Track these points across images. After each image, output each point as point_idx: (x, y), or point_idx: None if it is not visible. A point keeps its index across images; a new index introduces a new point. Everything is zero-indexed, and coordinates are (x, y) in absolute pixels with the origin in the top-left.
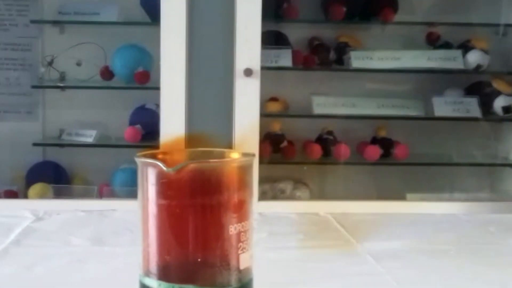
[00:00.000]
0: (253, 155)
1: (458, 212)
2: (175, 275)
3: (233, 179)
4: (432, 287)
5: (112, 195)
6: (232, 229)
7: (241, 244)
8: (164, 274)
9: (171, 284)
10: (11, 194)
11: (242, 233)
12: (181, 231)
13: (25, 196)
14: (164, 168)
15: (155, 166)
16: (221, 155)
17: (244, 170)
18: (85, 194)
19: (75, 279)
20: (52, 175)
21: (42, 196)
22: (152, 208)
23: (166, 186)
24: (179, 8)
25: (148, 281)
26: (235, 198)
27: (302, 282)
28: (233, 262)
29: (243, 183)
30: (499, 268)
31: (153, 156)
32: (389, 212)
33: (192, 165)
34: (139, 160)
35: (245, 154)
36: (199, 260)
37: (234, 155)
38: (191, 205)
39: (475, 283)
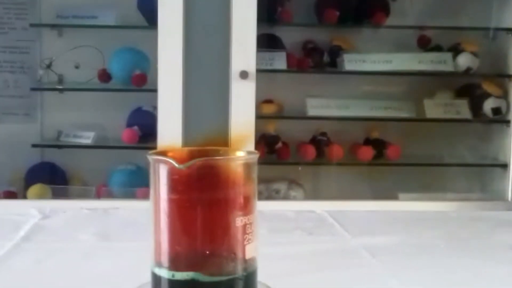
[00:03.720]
0: (257, 153)
1: (448, 210)
2: (185, 265)
3: (240, 175)
4: (423, 278)
5: (110, 195)
6: (239, 221)
7: (246, 235)
8: (174, 264)
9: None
10: (10, 195)
11: (248, 225)
12: (191, 224)
13: (24, 196)
14: (176, 165)
15: (166, 163)
16: (227, 153)
17: (250, 166)
18: (83, 195)
19: (86, 272)
20: (51, 176)
21: (41, 196)
22: (164, 202)
23: (177, 182)
24: (176, 12)
25: (159, 271)
26: (241, 193)
27: (301, 273)
28: (239, 253)
29: (249, 179)
30: (487, 261)
31: (164, 154)
32: (382, 210)
33: (202, 162)
34: (152, 158)
35: (249, 152)
36: (207, 250)
37: (240, 153)
38: (201, 200)
39: (464, 274)
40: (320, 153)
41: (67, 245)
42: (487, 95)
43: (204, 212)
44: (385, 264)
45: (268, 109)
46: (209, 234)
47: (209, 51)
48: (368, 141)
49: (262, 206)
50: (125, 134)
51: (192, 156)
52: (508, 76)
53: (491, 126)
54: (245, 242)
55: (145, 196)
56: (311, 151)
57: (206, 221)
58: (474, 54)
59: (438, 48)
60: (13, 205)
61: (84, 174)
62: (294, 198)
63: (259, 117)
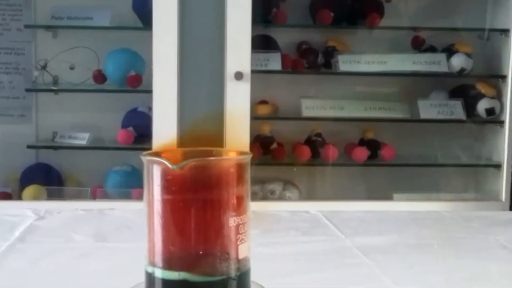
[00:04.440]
0: (250, 153)
1: (443, 210)
2: (179, 265)
3: (233, 176)
4: (417, 278)
5: (105, 196)
6: (232, 221)
7: (239, 235)
8: (168, 264)
9: (168, 272)
10: (5, 196)
11: (241, 226)
12: (184, 224)
13: (19, 198)
14: (169, 166)
15: (160, 163)
16: (220, 154)
17: (242, 167)
18: (78, 196)
19: (81, 273)
20: (46, 177)
21: (36, 198)
22: (157, 203)
23: (170, 182)
24: (170, 13)
25: (153, 270)
26: (234, 193)
27: (295, 274)
28: (232, 253)
29: (241, 179)
30: (481, 260)
31: (158, 155)
32: (377, 210)
33: (195, 163)
34: (146, 159)
35: (242, 153)
36: (200, 250)
37: (232, 153)
38: (194, 200)
39: (457, 274)
40: (315, 154)
41: (62, 246)
42: (481, 96)
43: (197, 212)
44: (379, 263)
45: (263, 110)
46: (202, 234)
47: (204, 52)
48: (362, 142)
49: (257, 207)
50: (121, 135)
51: (185, 157)
52: (502, 76)
53: (485, 126)
54: (238, 242)
55: (141, 197)
56: (306, 152)
57: (199, 221)
58: (468, 55)
59: (432, 49)
60: (8, 206)
61: (79, 175)
62: (289, 199)
63: (254, 118)
